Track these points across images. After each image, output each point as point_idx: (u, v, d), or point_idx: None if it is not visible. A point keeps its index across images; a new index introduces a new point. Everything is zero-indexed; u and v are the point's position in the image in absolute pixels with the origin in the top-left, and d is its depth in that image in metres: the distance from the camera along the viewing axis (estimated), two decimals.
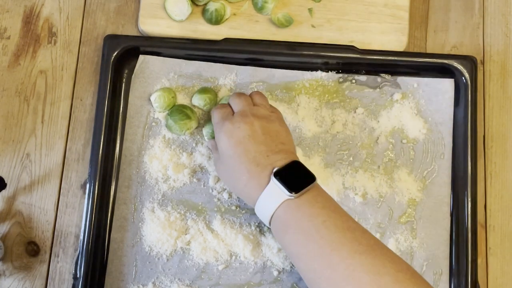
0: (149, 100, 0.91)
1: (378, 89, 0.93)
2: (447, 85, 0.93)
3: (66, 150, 0.91)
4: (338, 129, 0.92)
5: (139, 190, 0.88)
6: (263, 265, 0.87)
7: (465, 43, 0.97)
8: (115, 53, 0.90)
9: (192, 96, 0.91)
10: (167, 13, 0.93)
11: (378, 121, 0.92)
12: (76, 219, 0.89)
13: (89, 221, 0.85)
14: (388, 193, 0.90)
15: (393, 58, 0.93)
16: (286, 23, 0.94)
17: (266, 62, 0.93)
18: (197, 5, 0.93)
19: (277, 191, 0.76)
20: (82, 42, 0.94)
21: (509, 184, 0.93)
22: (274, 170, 0.77)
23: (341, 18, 0.95)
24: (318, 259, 0.72)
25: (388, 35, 0.94)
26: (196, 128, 0.90)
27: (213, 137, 0.88)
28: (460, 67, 0.92)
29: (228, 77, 0.92)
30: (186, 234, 0.87)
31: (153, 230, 0.87)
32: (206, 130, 0.89)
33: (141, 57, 0.91)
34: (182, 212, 0.88)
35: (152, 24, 0.93)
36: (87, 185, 0.86)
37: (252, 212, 0.88)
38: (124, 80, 0.91)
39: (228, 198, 0.89)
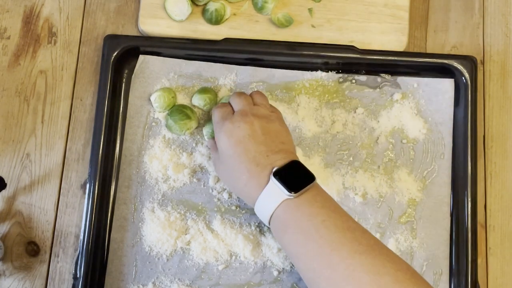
0: (149, 100, 0.91)
1: (378, 89, 0.93)
2: (447, 85, 0.93)
3: (66, 150, 0.91)
4: (338, 129, 0.92)
5: (139, 190, 0.88)
6: (263, 265, 0.87)
7: (465, 43, 0.97)
8: (115, 53, 0.90)
9: (192, 96, 0.91)
10: (167, 13, 0.93)
11: (378, 121, 0.92)
12: (76, 219, 0.89)
13: (89, 221, 0.85)
14: (388, 193, 0.90)
15: (393, 58, 0.93)
16: (286, 23, 0.94)
17: (266, 62, 0.93)
18: (197, 5, 0.93)
19: (276, 191, 0.76)
20: (82, 42, 0.94)
21: (509, 184, 0.93)
22: (274, 169, 0.77)
23: (341, 18, 0.95)
24: (318, 259, 0.72)
25: (388, 35, 0.94)
26: (196, 128, 0.90)
27: (213, 137, 0.88)
28: (460, 67, 0.92)
29: (228, 77, 0.92)
30: (186, 234, 0.87)
31: (153, 230, 0.87)
32: (206, 130, 0.89)
33: (141, 57, 0.91)
34: (182, 212, 0.88)
35: (152, 24, 0.93)
36: (87, 185, 0.86)
37: (252, 212, 0.88)
38: (124, 80, 0.91)
39: (228, 198, 0.89)
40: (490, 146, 0.94)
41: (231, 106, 0.85)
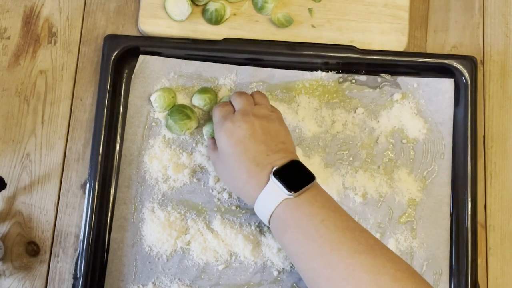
0: (149, 100, 0.91)
1: (378, 89, 0.93)
2: (447, 85, 0.93)
3: (66, 150, 0.91)
4: (338, 129, 0.92)
5: (139, 190, 0.88)
6: (263, 265, 0.87)
7: (465, 43, 0.97)
8: (115, 53, 0.90)
9: (192, 96, 0.91)
10: (167, 13, 0.93)
11: (378, 121, 0.92)
12: (76, 219, 0.89)
13: (89, 221, 0.85)
14: (388, 193, 0.90)
15: (393, 58, 0.93)
16: (286, 23, 0.94)
17: (266, 62, 0.93)
18: (197, 5, 0.93)
19: (276, 190, 0.77)
20: (82, 42, 0.94)
21: (509, 184, 0.93)
22: (274, 169, 0.77)
23: (341, 18, 0.95)
24: (318, 259, 0.73)
25: (388, 35, 0.94)
26: (196, 128, 0.90)
27: (213, 136, 0.88)
28: (460, 67, 0.92)
29: (228, 77, 0.92)
30: (186, 234, 0.87)
31: (153, 230, 0.87)
32: (206, 129, 0.89)
33: (141, 57, 0.91)
34: (182, 212, 0.88)
35: (152, 24, 0.93)
36: (87, 185, 0.86)
37: (252, 212, 0.88)
38: (124, 80, 0.91)
39: (228, 198, 0.89)
40: (490, 146, 0.94)
41: (231, 105, 0.85)
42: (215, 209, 0.88)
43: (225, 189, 0.89)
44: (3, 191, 0.85)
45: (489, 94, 0.96)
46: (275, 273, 0.87)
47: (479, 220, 0.90)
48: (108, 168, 0.88)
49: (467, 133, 0.90)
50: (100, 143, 0.87)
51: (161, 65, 0.92)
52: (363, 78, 0.93)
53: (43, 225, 0.88)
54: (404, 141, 0.92)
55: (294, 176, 0.77)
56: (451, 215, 0.89)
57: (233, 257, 0.87)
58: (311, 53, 0.92)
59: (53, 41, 0.94)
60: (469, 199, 0.88)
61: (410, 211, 0.90)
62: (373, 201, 0.90)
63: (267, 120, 0.81)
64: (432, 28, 0.97)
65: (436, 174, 0.91)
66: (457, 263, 0.87)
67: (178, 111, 0.89)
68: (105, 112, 0.88)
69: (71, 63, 0.93)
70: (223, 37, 0.92)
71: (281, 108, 0.90)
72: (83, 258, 0.84)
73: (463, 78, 0.92)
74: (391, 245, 0.88)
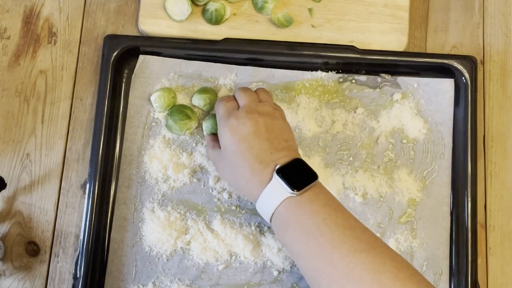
0: (149, 100, 0.91)
1: (378, 89, 0.93)
2: (447, 85, 0.93)
3: (66, 150, 0.91)
4: (338, 129, 0.92)
5: (139, 190, 0.88)
6: (263, 265, 0.87)
7: (465, 43, 0.97)
8: (115, 53, 0.90)
9: (192, 96, 0.91)
10: (167, 13, 0.93)
11: (378, 121, 0.92)
12: (76, 219, 0.89)
13: (89, 221, 0.85)
14: (388, 193, 0.90)
15: (393, 58, 0.93)
16: (286, 23, 0.94)
17: (266, 62, 0.93)
18: (197, 5, 0.93)
19: (279, 188, 0.77)
20: (82, 42, 0.94)
21: (509, 184, 0.93)
22: (277, 167, 0.78)
23: (341, 18, 0.95)
24: (319, 257, 0.73)
25: (388, 35, 0.94)
26: (196, 128, 0.90)
27: (212, 133, 0.87)
28: (460, 67, 0.92)
29: (228, 77, 0.92)
30: (186, 234, 0.87)
31: (153, 230, 0.87)
32: (205, 125, 0.89)
33: (141, 57, 0.91)
34: (182, 212, 0.88)
35: (152, 24, 0.93)
36: (87, 185, 0.86)
37: (252, 212, 0.88)
38: (124, 80, 0.91)
39: (228, 198, 0.89)
40: (490, 146, 0.94)
41: (235, 100, 0.85)
42: (215, 209, 0.88)
43: (225, 189, 0.89)
44: (3, 191, 0.85)
45: (489, 94, 0.96)
46: (275, 273, 0.87)
47: (479, 220, 0.90)
48: (108, 168, 0.88)
49: (467, 133, 0.90)
50: (100, 143, 0.87)
51: (161, 65, 0.92)
52: (363, 78, 0.93)
53: (43, 225, 0.88)
54: (404, 141, 0.92)
55: (297, 175, 0.77)
56: (451, 215, 0.89)
57: (233, 257, 0.87)
58: (311, 53, 0.92)
59: (53, 41, 0.94)
60: (469, 199, 0.88)
61: (410, 211, 0.90)
62: (373, 201, 0.90)
63: (271, 118, 0.81)
64: (432, 28, 0.97)
65: (436, 174, 0.91)
66: (457, 263, 0.87)
67: (178, 111, 0.89)
68: (105, 112, 0.88)
69: (71, 63, 0.93)
70: (223, 37, 0.92)
71: (281, 108, 0.90)
72: (83, 258, 0.84)
73: (463, 78, 0.92)
74: (391, 245, 0.88)
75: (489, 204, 0.92)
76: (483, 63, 0.96)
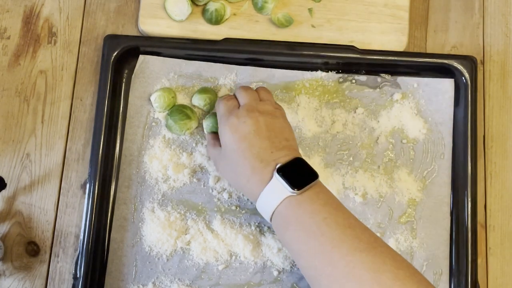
0: (149, 100, 0.91)
1: (378, 89, 0.93)
2: (447, 85, 0.93)
3: (66, 150, 0.91)
4: (338, 129, 0.92)
5: (139, 190, 0.88)
6: (263, 265, 0.87)
7: (465, 43, 0.97)
8: (115, 53, 0.90)
9: (192, 96, 0.91)
10: (167, 13, 0.93)
11: (378, 121, 0.92)
12: (76, 219, 0.89)
13: (89, 221, 0.85)
14: (388, 193, 0.90)
15: (393, 58, 0.93)
16: (286, 23, 0.94)
17: (266, 62, 0.93)
18: (197, 5, 0.93)
19: (279, 187, 0.77)
20: (82, 42, 0.94)
21: (509, 184, 0.93)
22: (277, 166, 0.78)
23: (341, 18, 0.95)
24: (319, 256, 0.72)
25: (388, 35, 0.94)
26: (196, 128, 0.90)
27: (213, 131, 0.87)
28: (460, 67, 0.92)
29: (228, 77, 0.92)
30: (186, 234, 0.87)
31: (153, 230, 0.87)
32: (206, 123, 0.89)
33: (141, 57, 0.91)
34: (182, 212, 0.88)
35: (152, 24, 0.93)
36: (87, 185, 0.86)
37: (252, 212, 0.88)
38: (124, 80, 0.91)
39: (228, 198, 0.89)
40: (490, 146, 0.94)
41: (236, 99, 0.85)
42: (215, 209, 0.88)
43: (225, 189, 0.89)
44: (3, 191, 0.85)
45: (489, 94, 0.96)
46: (275, 273, 0.87)
47: (479, 220, 0.90)
48: (108, 168, 0.88)
49: (467, 133, 0.90)
50: (100, 143, 0.87)
51: (161, 65, 0.92)
52: (363, 78, 0.93)
53: (43, 225, 0.88)
54: (404, 141, 0.92)
55: (298, 174, 0.77)
56: (451, 215, 0.89)
57: (233, 257, 0.87)
58: (311, 53, 0.92)
59: (53, 41, 0.94)
60: (469, 199, 0.88)
61: (410, 211, 0.90)
62: (373, 201, 0.90)
63: (271, 117, 0.81)
64: (432, 28, 0.97)
65: (436, 174, 0.91)
66: (457, 263, 0.87)
67: (178, 111, 0.89)
68: (105, 112, 0.88)
69: (71, 63, 0.93)
70: (223, 37, 0.92)
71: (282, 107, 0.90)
72: (83, 258, 0.84)
73: (463, 78, 0.92)
74: (391, 245, 0.88)
75: (489, 204, 0.92)
76: (483, 63, 0.96)
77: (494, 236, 0.91)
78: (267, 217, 0.79)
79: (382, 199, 0.90)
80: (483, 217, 0.91)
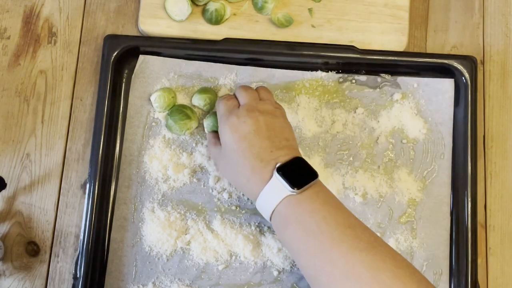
0: (149, 100, 0.91)
1: (378, 89, 0.93)
2: (447, 85, 0.93)
3: (66, 150, 0.91)
4: (338, 129, 0.92)
5: (139, 190, 0.88)
6: (263, 265, 0.87)
7: (465, 43, 0.97)
8: (115, 53, 0.90)
9: (192, 96, 0.91)
10: (167, 13, 0.93)
11: (378, 121, 0.92)
12: (76, 219, 0.89)
13: (89, 221, 0.85)
14: (388, 193, 0.90)
15: (393, 58, 0.93)
16: (286, 23, 0.94)
17: (266, 62, 0.93)
18: (197, 5, 0.93)
19: (279, 187, 0.77)
20: (82, 42, 0.94)
21: (509, 184, 0.93)
22: (277, 165, 0.78)
23: (341, 18, 0.95)
24: (319, 255, 0.73)
25: (388, 35, 0.94)
26: (196, 128, 0.90)
27: (213, 130, 0.87)
28: (460, 67, 0.92)
29: (228, 77, 0.92)
30: (186, 234, 0.87)
31: (153, 230, 0.87)
32: (207, 123, 0.89)
33: (141, 57, 0.91)
34: (182, 212, 0.88)
35: (152, 24, 0.93)
36: (87, 185, 0.86)
37: (252, 212, 0.88)
38: (124, 80, 0.91)
39: (228, 198, 0.89)
40: (490, 146, 0.94)
41: (236, 99, 0.85)
42: (215, 209, 0.88)
43: (225, 189, 0.89)
44: (3, 191, 0.85)
45: (489, 94, 0.96)
46: (275, 273, 0.87)
47: (479, 220, 0.90)
48: (108, 168, 0.88)
49: (467, 133, 0.90)
50: (100, 143, 0.87)
51: (161, 65, 0.92)
52: (363, 78, 0.93)
53: (43, 225, 0.88)
54: (404, 141, 0.92)
55: (297, 173, 0.77)
56: (451, 215, 0.89)
57: (233, 257, 0.87)
58: (311, 53, 0.92)
59: (53, 41, 0.94)
60: (469, 199, 0.88)
61: (410, 211, 0.90)
62: (373, 201, 0.90)
63: (271, 116, 0.81)
64: (432, 28, 0.97)
65: (436, 174, 0.91)
66: (457, 263, 0.87)
67: (178, 111, 0.89)
68: (105, 112, 0.88)
69: (71, 63, 0.93)
70: (223, 37, 0.92)
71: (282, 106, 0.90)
72: (83, 258, 0.84)
73: (463, 78, 0.92)
74: (391, 245, 0.88)
75: (489, 204, 0.92)
76: (483, 63, 0.96)
77: (494, 236, 0.91)
78: (267, 216, 0.79)
79: (382, 199, 0.90)
80: (483, 217, 0.91)
